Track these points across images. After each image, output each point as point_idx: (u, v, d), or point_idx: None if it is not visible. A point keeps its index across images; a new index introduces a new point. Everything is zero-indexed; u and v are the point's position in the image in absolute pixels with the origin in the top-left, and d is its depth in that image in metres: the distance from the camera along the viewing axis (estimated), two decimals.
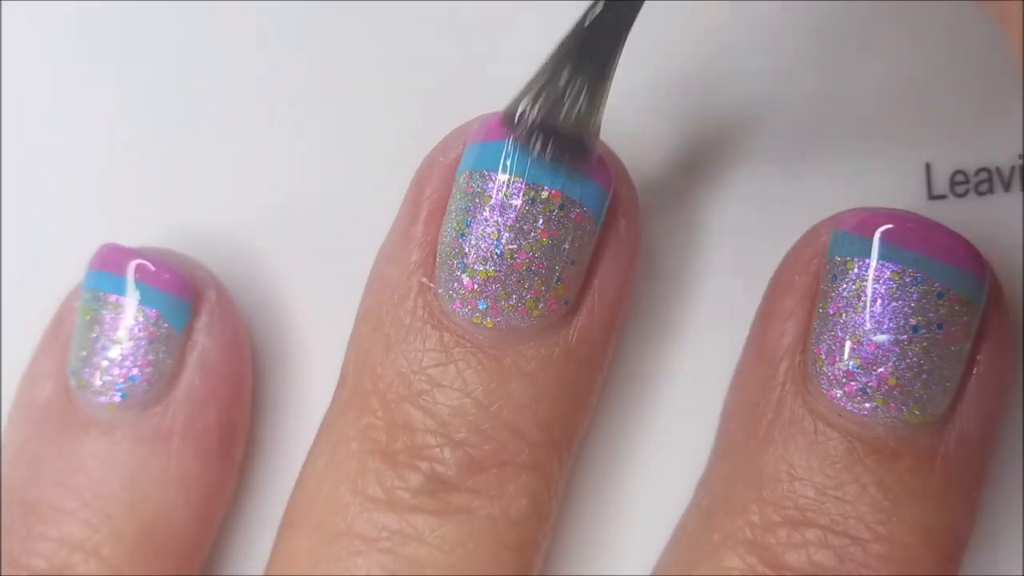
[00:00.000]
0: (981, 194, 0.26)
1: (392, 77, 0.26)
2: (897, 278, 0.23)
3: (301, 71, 0.27)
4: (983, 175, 0.26)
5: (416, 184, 0.25)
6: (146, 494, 0.25)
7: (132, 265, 0.25)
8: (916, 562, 0.23)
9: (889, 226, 0.23)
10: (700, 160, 0.26)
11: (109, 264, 0.25)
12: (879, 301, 0.23)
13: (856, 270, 0.23)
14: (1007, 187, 0.26)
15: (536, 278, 0.23)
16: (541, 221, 0.23)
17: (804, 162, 0.26)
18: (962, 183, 0.26)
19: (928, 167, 0.26)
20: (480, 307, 0.24)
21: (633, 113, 0.26)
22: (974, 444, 0.24)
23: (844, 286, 0.24)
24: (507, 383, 0.24)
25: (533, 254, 0.23)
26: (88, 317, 0.25)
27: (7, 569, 0.25)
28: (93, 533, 0.25)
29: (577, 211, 0.24)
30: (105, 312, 0.25)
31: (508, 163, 0.23)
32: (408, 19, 0.26)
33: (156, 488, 0.25)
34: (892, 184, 0.26)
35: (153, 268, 0.25)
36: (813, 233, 0.25)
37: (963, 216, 0.25)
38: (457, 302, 0.24)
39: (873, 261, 0.23)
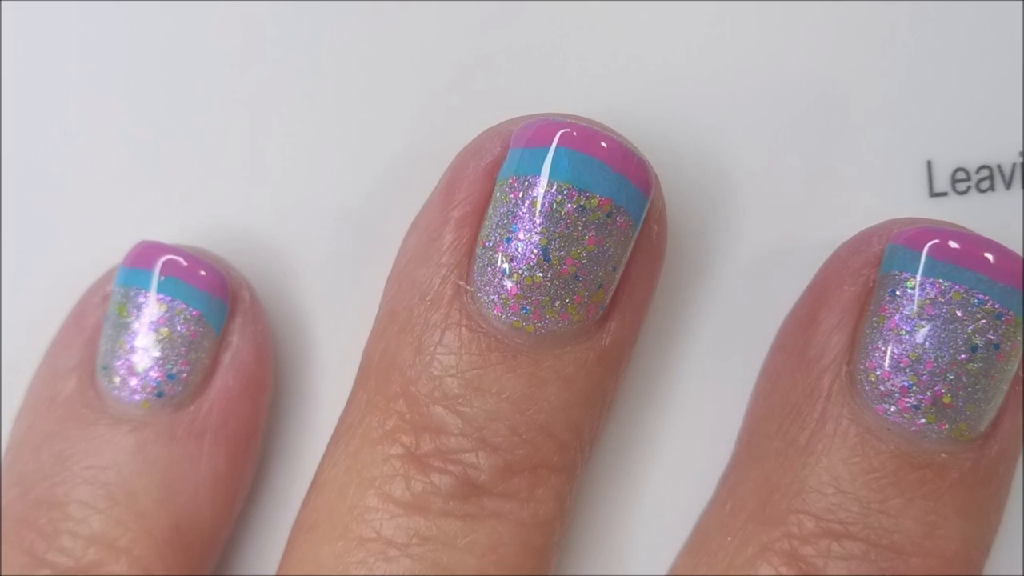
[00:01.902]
0: (982, 191, 0.26)
1: (408, 75, 0.26)
2: (960, 298, 0.23)
3: (315, 70, 0.26)
4: (984, 172, 0.26)
5: (448, 185, 0.24)
6: (177, 492, 0.25)
7: (172, 263, 0.25)
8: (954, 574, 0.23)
9: (953, 245, 0.23)
10: (701, 160, 0.26)
11: (144, 261, 0.25)
12: (942, 320, 0.23)
13: (917, 287, 0.23)
14: (1008, 184, 0.26)
15: (580, 284, 0.23)
16: (591, 229, 0.23)
17: (806, 160, 0.26)
18: (963, 180, 0.26)
19: (929, 164, 0.26)
20: (523, 312, 0.23)
21: (637, 115, 0.26)
22: (1012, 459, 0.24)
23: (904, 302, 0.23)
24: (544, 387, 0.24)
25: (580, 261, 0.23)
26: (124, 313, 0.25)
27: (28, 568, 0.24)
28: (125, 531, 0.24)
29: (622, 218, 0.23)
30: (143, 309, 0.25)
31: (557, 168, 0.23)
32: (427, 17, 0.26)
33: (187, 486, 0.25)
34: (893, 181, 0.26)
35: (192, 267, 0.25)
36: (862, 242, 0.24)
37: (964, 213, 0.26)
38: (498, 307, 0.23)
39: (937, 280, 0.23)
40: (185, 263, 0.25)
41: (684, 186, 0.26)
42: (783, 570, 0.23)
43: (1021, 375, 0.24)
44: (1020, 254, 0.24)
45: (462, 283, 0.24)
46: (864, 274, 0.24)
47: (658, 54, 0.26)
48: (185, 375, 0.25)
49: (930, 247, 0.23)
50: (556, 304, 0.23)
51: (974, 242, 0.23)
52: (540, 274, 0.23)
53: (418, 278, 0.24)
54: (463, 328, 0.23)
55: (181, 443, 0.25)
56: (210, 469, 0.25)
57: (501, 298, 0.23)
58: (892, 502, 0.23)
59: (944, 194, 0.26)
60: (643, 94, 0.26)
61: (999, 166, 0.26)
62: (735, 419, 0.25)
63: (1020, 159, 0.26)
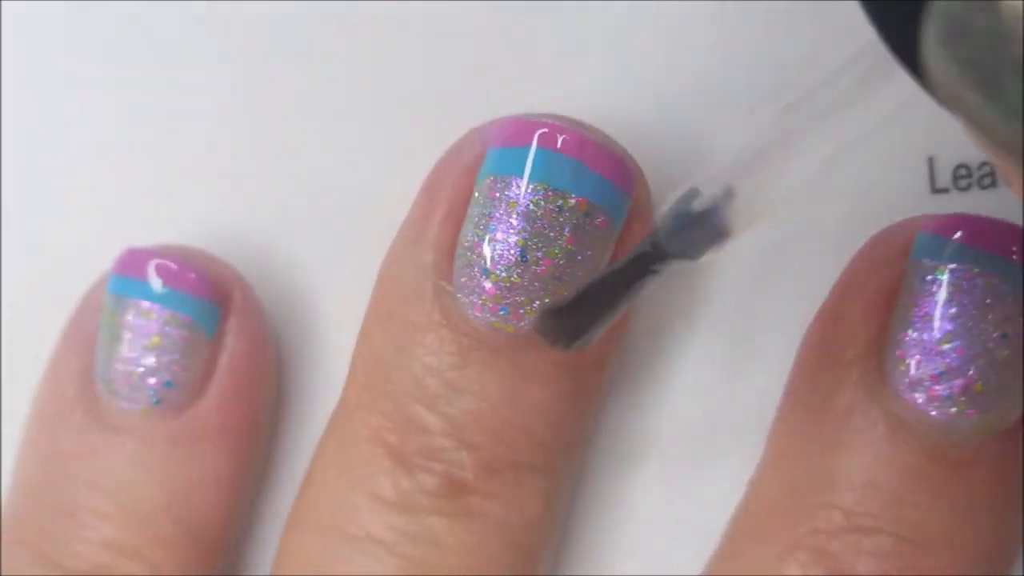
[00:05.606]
0: (984, 188, 0.26)
1: (403, 76, 0.26)
2: (989, 285, 0.23)
3: (314, 69, 0.26)
4: (986, 169, 0.26)
5: (430, 185, 0.25)
6: (183, 496, 0.25)
7: (158, 269, 0.25)
8: (980, 570, 0.23)
9: (983, 232, 0.23)
10: (698, 159, 0.26)
11: (133, 268, 0.25)
12: (971, 307, 0.23)
13: (947, 275, 0.23)
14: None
15: (558, 284, 0.23)
16: (567, 229, 0.23)
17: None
18: (965, 176, 0.26)
19: (931, 160, 0.26)
20: (501, 313, 0.23)
21: (635, 115, 0.26)
22: None
23: (933, 290, 0.23)
24: (523, 386, 0.24)
25: (557, 261, 0.23)
26: (115, 322, 0.25)
27: (45, 570, 0.25)
28: (135, 535, 0.25)
29: (601, 218, 0.23)
30: (133, 317, 0.25)
31: (533, 168, 0.23)
32: (423, 17, 0.26)
33: (192, 490, 0.25)
34: (895, 177, 0.26)
35: (180, 271, 0.25)
36: (889, 234, 0.24)
37: (965, 210, 0.25)
38: (477, 307, 0.23)
39: (967, 267, 0.23)
40: (174, 267, 0.25)
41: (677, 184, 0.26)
42: (811, 568, 0.23)
43: None
44: None
45: (442, 283, 0.24)
46: (889, 266, 0.24)
47: (655, 52, 0.26)
48: (181, 380, 0.25)
49: (961, 235, 0.23)
50: (534, 304, 0.23)
51: (1003, 230, 0.23)
52: (518, 275, 0.23)
53: (401, 278, 0.24)
54: (443, 328, 0.24)
55: (183, 447, 0.25)
56: (213, 471, 0.25)
57: (480, 299, 0.23)
58: (921, 496, 0.23)
59: (946, 190, 0.26)
60: (640, 93, 0.26)
61: None
62: (755, 423, 0.25)
63: None
